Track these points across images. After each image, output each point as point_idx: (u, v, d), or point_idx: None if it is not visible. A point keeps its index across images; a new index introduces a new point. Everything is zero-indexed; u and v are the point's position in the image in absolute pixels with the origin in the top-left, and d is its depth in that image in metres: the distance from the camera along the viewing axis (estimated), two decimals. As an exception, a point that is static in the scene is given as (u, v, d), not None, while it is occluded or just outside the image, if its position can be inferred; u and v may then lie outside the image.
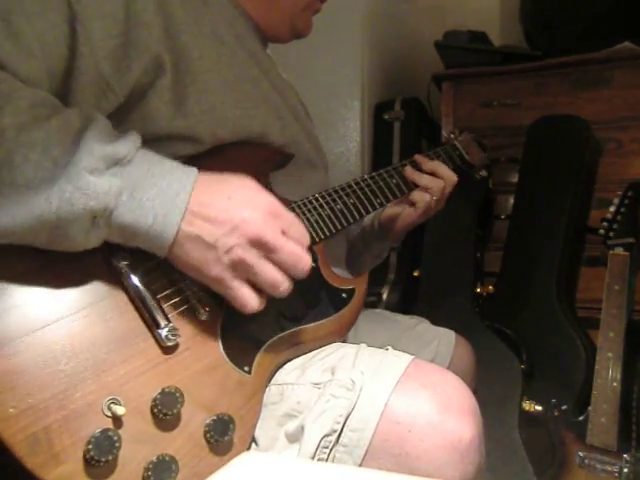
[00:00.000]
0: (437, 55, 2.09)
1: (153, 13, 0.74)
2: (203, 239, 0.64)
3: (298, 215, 0.86)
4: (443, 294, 1.83)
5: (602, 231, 1.52)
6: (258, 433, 0.72)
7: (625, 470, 1.32)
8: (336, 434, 0.68)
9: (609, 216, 1.52)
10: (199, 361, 0.67)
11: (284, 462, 0.57)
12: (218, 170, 0.74)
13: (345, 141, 2.13)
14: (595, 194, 1.83)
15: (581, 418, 1.40)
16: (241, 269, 0.66)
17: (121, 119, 0.74)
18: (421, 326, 1.22)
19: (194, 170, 0.67)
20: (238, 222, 0.65)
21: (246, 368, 0.71)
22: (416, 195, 1.08)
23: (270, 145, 0.89)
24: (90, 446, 0.55)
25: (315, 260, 0.87)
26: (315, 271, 0.86)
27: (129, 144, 0.63)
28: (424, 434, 0.67)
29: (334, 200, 0.93)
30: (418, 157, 1.12)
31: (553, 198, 1.74)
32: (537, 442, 1.45)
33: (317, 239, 0.88)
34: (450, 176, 1.11)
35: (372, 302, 1.92)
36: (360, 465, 0.67)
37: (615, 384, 1.36)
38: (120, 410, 0.58)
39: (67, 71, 0.68)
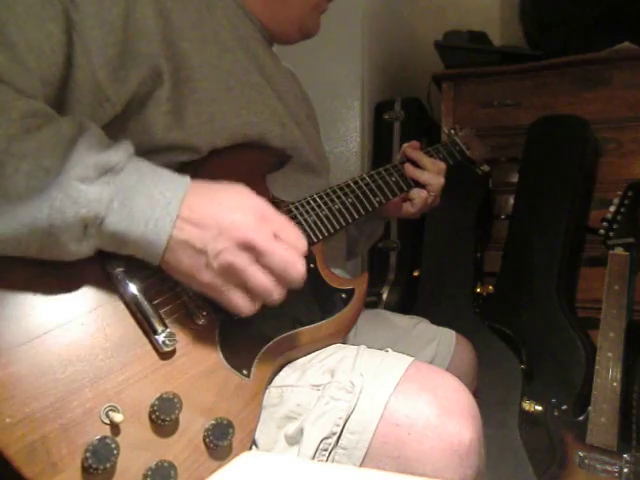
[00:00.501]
0: (437, 55, 2.09)
1: (152, 21, 0.74)
2: (192, 244, 0.63)
3: (295, 216, 0.86)
4: (443, 294, 1.83)
5: (602, 231, 1.52)
6: (258, 435, 0.72)
7: (625, 470, 1.32)
8: (335, 436, 0.68)
9: (609, 216, 1.53)
10: (197, 366, 0.67)
11: (284, 462, 0.57)
12: (214, 172, 0.74)
13: (345, 141, 2.12)
14: (595, 194, 1.83)
15: (581, 418, 1.40)
16: (231, 274, 0.65)
17: (118, 129, 0.74)
18: (421, 326, 1.22)
19: (186, 178, 0.66)
20: (227, 226, 0.64)
21: (245, 372, 0.71)
22: (414, 193, 1.10)
23: (267, 146, 0.89)
24: (88, 454, 0.55)
25: (313, 261, 0.87)
26: (313, 272, 0.86)
27: (121, 152, 0.62)
28: (423, 437, 0.67)
29: (332, 200, 0.93)
30: (408, 150, 1.13)
31: (553, 198, 1.75)
32: (537, 442, 1.45)
33: (315, 239, 0.87)
34: (438, 165, 1.13)
35: (372, 302, 1.92)
36: (359, 467, 0.67)
37: (615, 384, 1.37)
38: (118, 417, 0.58)
39: (63, 81, 0.67)
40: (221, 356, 0.70)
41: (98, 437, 0.56)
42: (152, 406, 0.61)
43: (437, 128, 2.11)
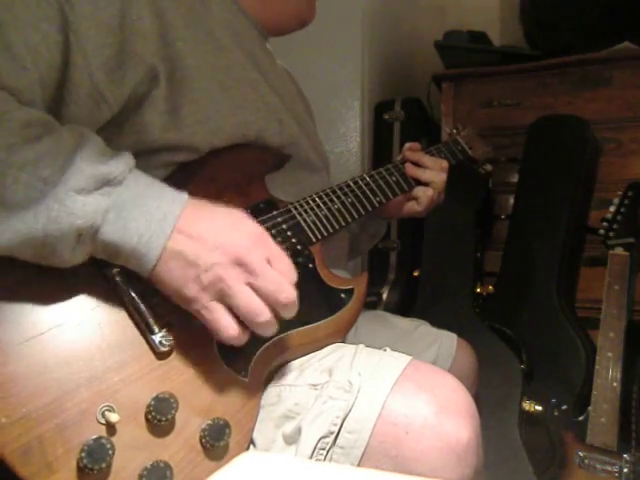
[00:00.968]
0: (437, 55, 2.08)
1: (148, 21, 0.74)
2: (186, 255, 0.63)
3: (294, 216, 0.86)
4: (443, 294, 1.83)
5: (602, 231, 1.52)
6: (256, 435, 0.72)
7: (625, 470, 1.32)
8: (333, 436, 0.68)
9: (609, 216, 1.52)
10: (194, 366, 0.67)
11: (284, 462, 0.56)
12: (214, 173, 0.74)
13: (345, 141, 2.12)
14: (595, 194, 1.83)
15: (581, 418, 1.40)
16: (219, 290, 0.64)
17: (115, 130, 0.74)
18: (422, 328, 1.22)
19: (184, 195, 0.66)
20: (223, 241, 0.64)
21: (242, 372, 0.71)
22: (419, 191, 1.10)
23: (267, 146, 0.89)
24: (83, 454, 0.55)
25: (312, 261, 0.86)
26: (312, 272, 0.86)
27: (122, 165, 0.62)
28: (421, 436, 0.67)
29: (331, 200, 0.93)
30: (408, 153, 1.13)
31: (553, 198, 1.74)
32: (537, 442, 1.45)
33: (314, 239, 0.87)
34: (440, 163, 1.13)
35: (372, 302, 1.92)
36: (357, 467, 0.67)
37: (615, 384, 1.36)
38: (114, 417, 0.58)
39: (60, 81, 0.67)
40: (218, 356, 0.70)
41: (94, 437, 0.56)
42: (148, 406, 0.61)
43: (437, 128, 2.10)
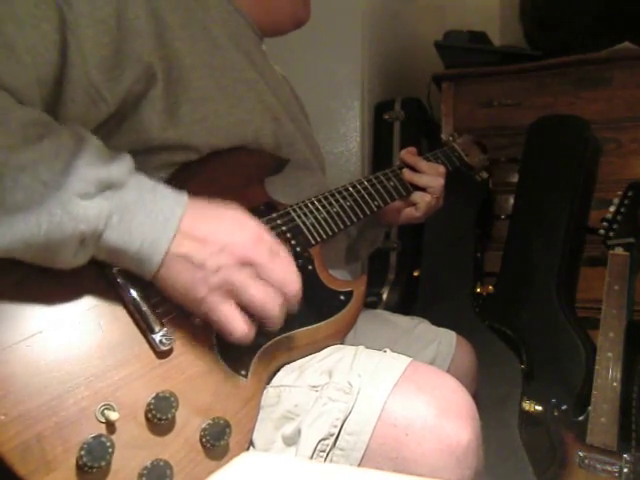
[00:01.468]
0: (437, 55, 2.09)
1: (145, 21, 0.74)
2: (191, 259, 0.63)
3: (294, 219, 0.86)
4: (443, 294, 1.83)
5: (602, 231, 1.52)
6: (255, 435, 0.71)
7: (625, 470, 1.32)
8: (333, 437, 0.68)
9: (609, 216, 1.53)
10: (194, 365, 0.67)
11: (284, 463, 0.56)
12: (213, 176, 0.74)
13: (345, 141, 2.12)
14: (595, 194, 1.82)
15: (581, 418, 1.40)
16: (229, 291, 0.65)
17: (113, 129, 0.74)
18: (421, 327, 1.22)
19: (184, 197, 0.66)
20: (227, 243, 0.65)
21: (243, 372, 0.71)
22: (417, 196, 1.10)
23: (266, 150, 0.89)
24: (83, 452, 0.54)
25: (312, 263, 0.87)
26: (312, 274, 0.86)
27: (123, 168, 0.62)
28: (421, 437, 0.67)
29: (330, 203, 0.93)
30: (405, 157, 1.13)
31: (553, 198, 1.74)
32: (537, 442, 1.45)
33: (313, 242, 0.87)
34: (436, 168, 1.13)
35: (372, 302, 1.92)
36: (357, 468, 0.67)
37: (615, 384, 1.36)
38: (113, 415, 0.57)
39: (58, 80, 0.67)
40: (218, 356, 0.70)
41: (93, 435, 0.56)
42: (148, 405, 0.60)
43: (437, 128, 2.11)
